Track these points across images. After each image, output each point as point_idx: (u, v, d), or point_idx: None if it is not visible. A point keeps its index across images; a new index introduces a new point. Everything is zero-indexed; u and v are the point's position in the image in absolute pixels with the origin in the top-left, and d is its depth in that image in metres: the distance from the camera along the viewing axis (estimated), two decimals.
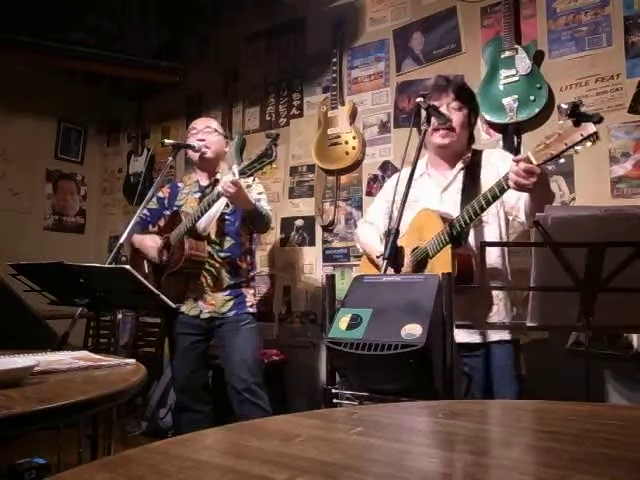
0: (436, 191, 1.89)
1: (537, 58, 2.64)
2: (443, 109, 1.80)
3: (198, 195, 2.51)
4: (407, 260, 1.80)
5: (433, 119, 1.79)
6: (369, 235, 2.04)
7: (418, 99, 1.75)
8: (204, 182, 2.54)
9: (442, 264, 1.65)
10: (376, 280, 1.49)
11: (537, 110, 2.56)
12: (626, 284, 1.26)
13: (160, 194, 2.67)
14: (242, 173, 2.11)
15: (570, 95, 2.57)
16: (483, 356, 1.78)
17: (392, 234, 1.58)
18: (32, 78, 4.22)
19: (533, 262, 1.41)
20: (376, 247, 1.91)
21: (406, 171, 1.89)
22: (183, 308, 2.44)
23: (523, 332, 1.88)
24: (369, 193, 3.21)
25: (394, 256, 1.58)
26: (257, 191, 2.48)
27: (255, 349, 2.47)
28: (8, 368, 1.09)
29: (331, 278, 1.61)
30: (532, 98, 2.57)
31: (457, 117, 1.83)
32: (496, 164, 1.85)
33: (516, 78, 2.61)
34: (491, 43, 2.76)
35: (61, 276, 1.88)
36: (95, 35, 3.96)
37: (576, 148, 1.42)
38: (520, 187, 1.51)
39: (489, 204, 1.62)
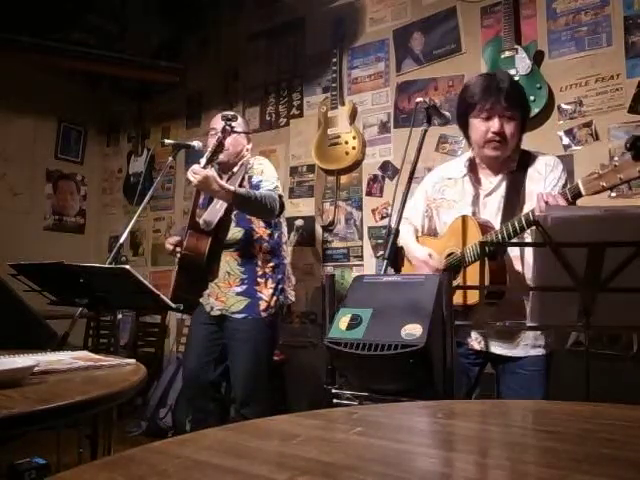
0: (479, 195, 1.80)
1: (537, 58, 2.64)
2: (495, 121, 1.66)
3: None
4: (440, 263, 1.75)
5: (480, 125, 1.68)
6: (407, 235, 1.90)
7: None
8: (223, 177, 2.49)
9: (475, 274, 1.59)
10: (376, 280, 1.49)
11: (537, 110, 2.56)
12: (626, 284, 1.26)
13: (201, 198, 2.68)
14: (207, 161, 2.11)
15: (570, 95, 2.58)
16: (515, 367, 1.73)
17: (392, 234, 1.58)
18: (32, 78, 4.21)
19: (533, 262, 1.41)
20: (413, 248, 1.84)
21: (447, 169, 1.90)
22: (202, 300, 2.42)
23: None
24: (369, 193, 3.21)
25: (394, 256, 1.58)
26: (258, 170, 2.38)
27: (258, 361, 2.35)
28: (8, 368, 1.09)
29: (331, 278, 1.61)
30: (532, 98, 2.56)
31: (509, 128, 1.67)
32: (543, 174, 1.72)
33: (516, 78, 2.60)
34: (491, 43, 2.76)
35: (61, 276, 1.87)
36: (95, 35, 3.97)
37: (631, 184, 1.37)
38: None
39: (524, 230, 1.57)
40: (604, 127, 2.48)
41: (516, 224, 1.57)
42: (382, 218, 3.13)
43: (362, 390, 1.38)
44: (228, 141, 2.37)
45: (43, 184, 4.49)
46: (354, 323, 1.36)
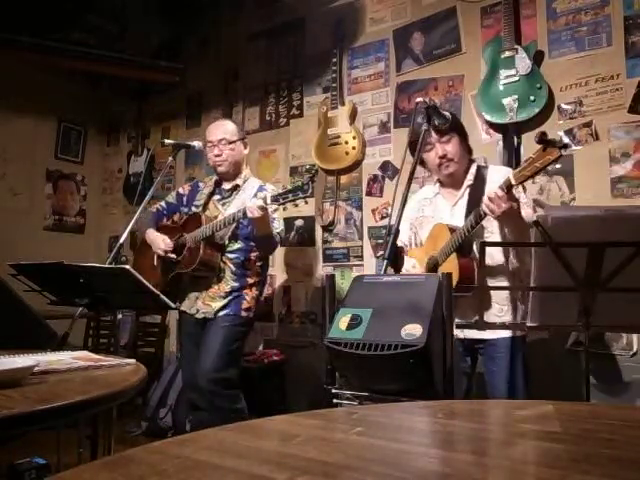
0: (448, 207, 2.05)
1: (537, 58, 2.63)
2: (437, 147, 1.94)
3: (218, 198, 2.54)
4: (423, 267, 1.95)
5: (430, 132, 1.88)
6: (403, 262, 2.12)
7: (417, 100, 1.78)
8: (224, 186, 2.55)
9: (447, 270, 1.69)
10: (376, 280, 1.49)
11: (537, 110, 2.56)
12: (626, 284, 1.26)
13: (180, 190, 2.70)
14: (274, 200, 2.08)
15: (570, 95, 2.57)
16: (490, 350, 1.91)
17: (392, 234, 1.59)
18: (32, 78, 4.21)
19: (533, 262, 1.41)
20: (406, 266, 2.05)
21: (423, 192, 2.19)
22: (184, 307, 2.46)
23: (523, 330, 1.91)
24: (369, 193, 3.21)
25: (394, 256, 1.59)
26: (274, 207, 2.37)
27: (229, 346, 2.37)
28: (8, 368, 1.09)
29: (331, 278, 1.61)
30: (532, 98, 2.56)
31: (451, 148, 1.95)
32: (499, 182, 1.88)
33: (516, 78, 2.60)
34: (491, 43, 2.76)
35: (61, 276, 1.88)
36: (95, 35, 3.96)
37: (548, 168, 1.60)
38: (491, 212, 1.68)
39: (477, 223, 1.78)
40: (604, 127, 2.48)
41: (470, 221, 1.78)
42: (382, 218, 3.13)
43: (362, 390, 1.38)
44: (228, 151, 2.46)
45: (43, 184, 4.48)
46: (354, 323, 1.36)
